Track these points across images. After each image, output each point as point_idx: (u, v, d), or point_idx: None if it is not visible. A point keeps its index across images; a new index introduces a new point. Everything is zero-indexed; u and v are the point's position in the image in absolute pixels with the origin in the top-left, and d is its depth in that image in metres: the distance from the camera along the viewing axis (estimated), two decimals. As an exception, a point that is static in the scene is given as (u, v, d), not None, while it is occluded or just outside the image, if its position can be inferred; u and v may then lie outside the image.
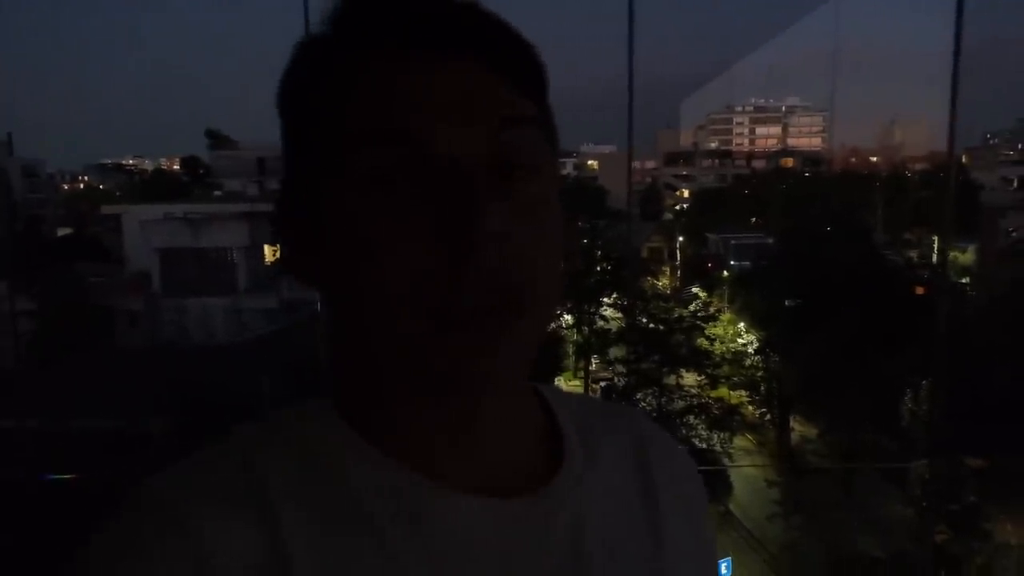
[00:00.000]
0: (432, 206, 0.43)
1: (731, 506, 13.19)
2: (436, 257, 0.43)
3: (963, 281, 17.72)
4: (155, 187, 31.54)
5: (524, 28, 0.49)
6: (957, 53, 3.21)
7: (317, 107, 0.47)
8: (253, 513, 0.45)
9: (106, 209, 22.59)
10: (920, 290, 15.66)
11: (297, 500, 0.46)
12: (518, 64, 0.47)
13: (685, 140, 45.21)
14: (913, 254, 20.00)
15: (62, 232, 24.67)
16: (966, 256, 18.81)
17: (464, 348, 0.44)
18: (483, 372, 0.45)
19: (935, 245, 18.79)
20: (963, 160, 25.33)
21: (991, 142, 35.43)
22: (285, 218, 0.50)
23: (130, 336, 16.14)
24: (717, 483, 12.51)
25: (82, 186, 43.57)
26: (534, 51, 0.49)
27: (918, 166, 29.97)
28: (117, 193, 33.78)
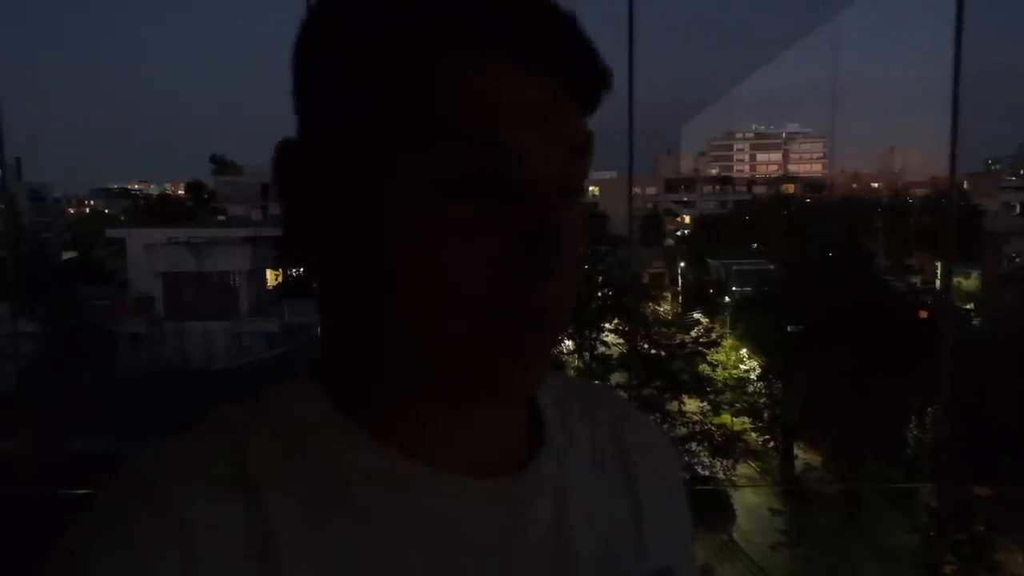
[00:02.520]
0: (510, 223, 0.43)
1: (735, 535, 13.03)
2: (505, 275, 0.43)
3: (967, 307, 17.68)
4: (160, 211, 31.74)
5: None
6: (956, 76, 3.24)
7: (381, 86, 0.43)
8: (239, 496, 0.44)
9: (111, 233, 22.75)
10: (923, 315, 15.62)
11: (284, 483, 0.45)
12: (595, 88, 0.46)
13: (686, 166, 45.43)
14: (916, 279, 19.99)
15: (67, 255, 24.80)
16: (970, 282, 18.79)
17: (508, 364, 0.45)
18: (521, 384, 0.46)
19: (938, 270, 18.80)
20: (965, 186, 25.38)
21: (993, 168, 35.54)
22: (292, 178, 0.47)
23: (132, 359, 16.14)
24: (720, 511, 12.39)
25: (88, 210, 43.80)
26: (610, 77, 0.46)
27: (919, 191, 30.10)
28: (122, 217, 33.99)
